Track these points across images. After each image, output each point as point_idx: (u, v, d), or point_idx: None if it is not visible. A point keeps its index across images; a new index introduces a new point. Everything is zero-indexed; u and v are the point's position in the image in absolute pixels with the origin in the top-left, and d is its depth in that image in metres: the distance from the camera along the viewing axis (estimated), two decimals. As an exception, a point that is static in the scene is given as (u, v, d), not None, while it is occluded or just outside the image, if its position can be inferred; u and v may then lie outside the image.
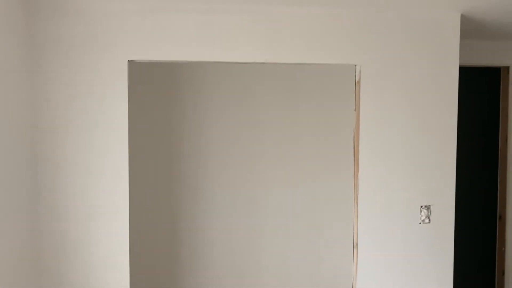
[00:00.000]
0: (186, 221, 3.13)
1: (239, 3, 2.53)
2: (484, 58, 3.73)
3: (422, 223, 2.78)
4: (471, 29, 3.17)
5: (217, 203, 3.09)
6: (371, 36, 2.70)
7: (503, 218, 3.84)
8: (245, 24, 2.60)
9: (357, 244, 2.76)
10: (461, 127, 4.69)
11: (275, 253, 2.94)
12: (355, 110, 2.78)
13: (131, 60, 2.51)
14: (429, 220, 2.78)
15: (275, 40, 2.63)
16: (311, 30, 2.66)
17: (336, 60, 2.73)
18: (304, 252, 2.93)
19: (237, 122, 2.92)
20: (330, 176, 2.88)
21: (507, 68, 3.75)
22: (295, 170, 2.90)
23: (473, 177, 4.78)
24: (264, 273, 2.90)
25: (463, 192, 4.70)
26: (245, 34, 2.60)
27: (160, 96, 3.14)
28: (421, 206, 2.77)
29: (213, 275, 3.06)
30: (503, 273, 3.84)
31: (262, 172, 2.91)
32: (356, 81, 2.76)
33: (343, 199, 2.85)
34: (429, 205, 2.77)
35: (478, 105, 4.77)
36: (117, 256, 2.49)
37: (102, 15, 2.46)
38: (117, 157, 2.48)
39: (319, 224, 2.90)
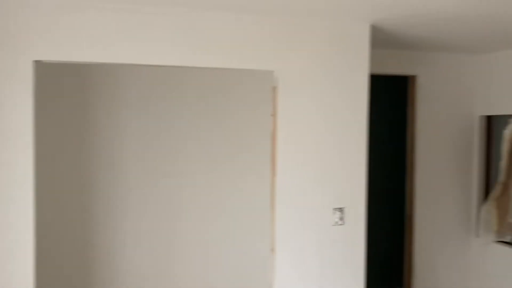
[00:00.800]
0: (98, 226, 3.01)
1: (157, 5, 2.47)
2: (395, 67, 3.96)
3: (335, 225, 2.87)
4: (382, 39, 3.35)
5: (131, 210, 3.00)
6: (288, 44, 2.76)
7: (411, 218, 4.08)
8: (163, 27, 2.55)
9: (274, 249, 2.80)
10: (373, 131, 4.92)
11: (192, 259, 2.91)
12: (272, 115, 2.82)
13: (37, 61, 2.35)
14: (343, 221, 2.88)
15: (193, 44, 2.60)
16: (231, 35, 2.67)
17: (254, 65, 2.76)
18: (221, 258, 2.92)
19: (154, 127, 2.85)
20: (248, 182, 2.90)
21: (415, 77, 4.00)
22: (213, 176, 2.88)
23: (384, 179, 5.06)
24: (179, 279, 2.85)
25: (375, 193, 4.97)
26: (164, 37, 2.55)
27: (71, 99, 2.99)
28: (334, 208, 2.87)
29: (125, 279, 2.95)
30: (410, 269, 4.08)
31: (179, 177, 2.86)
32: (274, 87, 2.80)
33: (261, 204, 2.88)
34: (342, 207, 2.88)
35: (390, 111, 5.05)
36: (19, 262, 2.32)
37: (4, 10, 2.28)
38: (21, 163, 2.31)
39: (237, 229, 2.91)
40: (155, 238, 2.88)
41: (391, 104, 4.75)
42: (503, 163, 3.87)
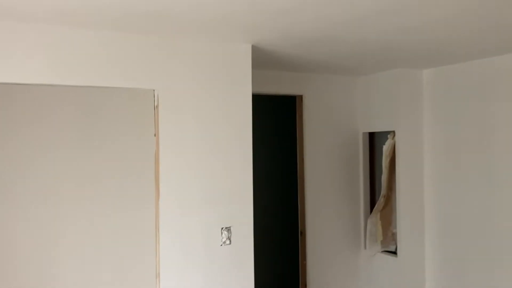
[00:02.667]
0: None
1: (24, 21, 2.30)
2: (282, 87, 4.08)
3: (223, 244, 2.84)
4: (268, 60, 3.44)
5: (7, 246, 2.70)
6: (168, 62, 2.72)
7: (304, 234, 4.18)
8: (31, 43, 2.38)
9: (159, 274, 2.68)
10: (266, 150, 5.06)
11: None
12: (155, 135, 2.74)
13: None
14: (230, 241, 2.85)
15: (66, 62, 2.45)
16: (107, 53, 2.56)
17: (133, 84, 2.67)
18: (107, 287, 2.72)
19: (24, 154, 2.59)
20: (131, 206, 2.75)
21: (301, 96, 4.16)
22: (94, 204, 2.69)
23: (278, 197, 5.17)
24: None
25: (270, 210, 5.05)
26: (31, 53, 2.38)
27: None
28: (222, 228, 2.84)
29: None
30: (306, 285, 4.16)
31: (56, 209, 2.62)
32: (155, 106, 2.73)
33: (146, 228, 2.76)
34: (229, 227, 2.86)
35: (281, 130, 5.20)
36: None
37: None
38: None
39: (121, 257, 2.74)
40: (30, 270, 2.61)
41: (284, 122, 4.89)
42: (384, 176, 4.12)
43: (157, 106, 2.71)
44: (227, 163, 2.87)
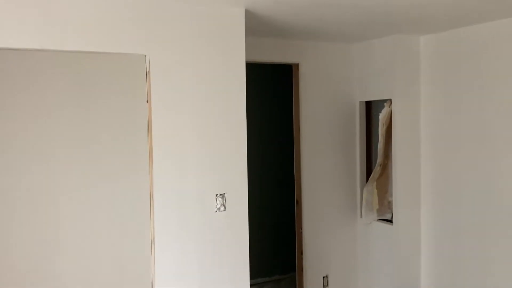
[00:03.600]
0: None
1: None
2: (278, 56, 4.02)
3: (218, 211, 2.84)
4: (261, 26, 3.38)
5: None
6: (159, 27, 2.66)
7: (300, 203, 4.19)
8: (22, 6, 2.32)
9: (154, 239, 2.69)
10: (262, 119, 5.04)
11: (72, 258, 2.67)
12: (147, 101, 2.71)
13: None
14: (225, 208, 2.85)
15: (58, 26, 2.40)
16: (99, 18, 2.51)
17: (125, 49, 2.62)
18: (102, 253, 2.73)
19: (16, 121, 2.56)
20: (125, 172, 2.74)
21: (297, 65, 4.10)
22: (87, 170, 2.67)
23: (277, 166, 5.17)
24: (56, 275, 2.61)
25: (266, 179, 5.05)
26: (22, 17, 2.33)
27: None
28: (216, 195, 2.83)
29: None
30: (302, 253, 4.19)
31: (50, 176, 2.60)
32: (147, 72, 2.69)
33: (140, 194, 2.75)
34: (224, 193, 2.85)
35: (277, 99, 5.16)
36: None
37: None
38: None
39: (116, 222, 2.74)
40: (28, 236, 2.61)
41: (282, 91, 4.85)
42: (380, 145, 4.11)
43: (149, 72, 2.67)
44: (221, 130, 2.85)
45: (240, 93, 2.90)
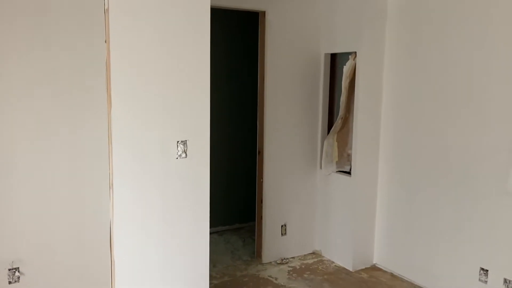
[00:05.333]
0: None
1: None
2: (245, 1, 3.90)
3: (179, 158, 2.80)
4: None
5: None
6: (119, -40, 2.50)
7: (261, 153, 4.21)
8: None
9: (112, 185, 2.65)
10: (227, 67, 4.94)
11: (31, 205, 2.59)
12: (106, 42, 2.58)
13: None
14: (186, 154, 2.82)
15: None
16: None
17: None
18: (61, 199, 2.66)
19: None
20: (84, 116, 2.62)
21: (264, 12, 4.00)
22: (46, 113, 2.53)
23: (239, 115, 5.14)
24: (15, 221, 2.53)
25: (228, 129, 5.03)
26: None
27: None
28: (178, 142, 2.79)
29: None
30: (262, 202, 4.25)
31: (3, 127, 2.45)
32: (105, 9, 2.55)
33: (99, 139, 2.66)
34: (185, 140, 2.81)
35: (243, 47, 5.06)
36: None
37: None
38: None
39: (75, 167, 2.66)
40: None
41: (249, 40, 4.75)
42: (343, 98, 4.13)
43: (108, 10, 2.53)
44: (183, 75, 2.77)
45: (204, 38, 2.81)
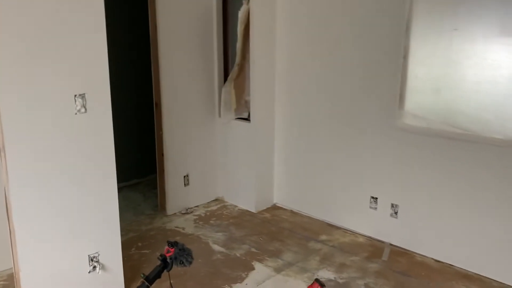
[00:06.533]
0: None
1: None
2: None
3: (78, 113, 2.60)
4: None
5: None
6: None
7: (159, 105, 4.07)
8: None
9: (3, 147, 2.37)
10: (119, 16, 4.61)
11: None
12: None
13: None
14: (85, 109, 2.62)
15: None
16: None
17: None
18: None
19: None
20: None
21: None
22: None
23: (131, 68, 4.89)
24: None
25: (124, 82, 4.77)
26: None
27: None
28: (75, 96, 2.57)
29: None
30: (163, 154, 4.17)
31: None
32: None
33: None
34: (84, 94, 2.60)
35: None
36: None
37: None
38: None
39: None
40: None
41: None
42: (239, 44, 4.13)
43: None
44: (75, 24, 2.51)
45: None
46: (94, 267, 2.81)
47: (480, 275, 3.21)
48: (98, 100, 2.66)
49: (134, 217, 4.25)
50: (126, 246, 3.36)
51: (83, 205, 2.70)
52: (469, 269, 3.27)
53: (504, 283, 3.11)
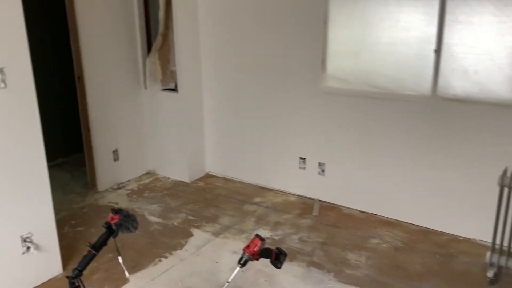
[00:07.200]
0: None
1: None
2: None
3: (-3, 89, 2.46)
4: None
5: None
6: None
7: (81, 79, 3.93)
8: None
9: None
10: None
11: None
12: None
13: None
14: (5, 84, 2.48)
15: None
16: None
17: None
18: None
19: None
20: None
21: None
22: None
23: (55, 39, 4.63)
24: None
25: (42, 55, 4.52)
26: None
27: None
28: None
29: None
30: (89, 130, 4.05)
31: None
32: None
33: None
34: (2, 68, 2.46)
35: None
36: None
37: None
38: None
39: None
40: None
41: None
42: (161, 14, 4.05)
43: None
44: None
45: None
46: (28, 247, 2.73)
47: (400, 221, 3.54)
48: (19, 75, 2.53)
49: (64, 196, 4.12)
50: (59, 225, 3.24)
51: (10, 185, 2.59)
52: (390, 217, 3.58)
53: (421, 226, 3.46)
